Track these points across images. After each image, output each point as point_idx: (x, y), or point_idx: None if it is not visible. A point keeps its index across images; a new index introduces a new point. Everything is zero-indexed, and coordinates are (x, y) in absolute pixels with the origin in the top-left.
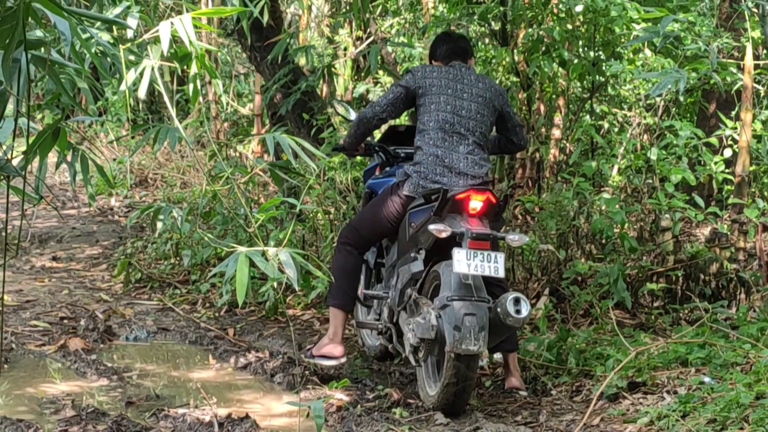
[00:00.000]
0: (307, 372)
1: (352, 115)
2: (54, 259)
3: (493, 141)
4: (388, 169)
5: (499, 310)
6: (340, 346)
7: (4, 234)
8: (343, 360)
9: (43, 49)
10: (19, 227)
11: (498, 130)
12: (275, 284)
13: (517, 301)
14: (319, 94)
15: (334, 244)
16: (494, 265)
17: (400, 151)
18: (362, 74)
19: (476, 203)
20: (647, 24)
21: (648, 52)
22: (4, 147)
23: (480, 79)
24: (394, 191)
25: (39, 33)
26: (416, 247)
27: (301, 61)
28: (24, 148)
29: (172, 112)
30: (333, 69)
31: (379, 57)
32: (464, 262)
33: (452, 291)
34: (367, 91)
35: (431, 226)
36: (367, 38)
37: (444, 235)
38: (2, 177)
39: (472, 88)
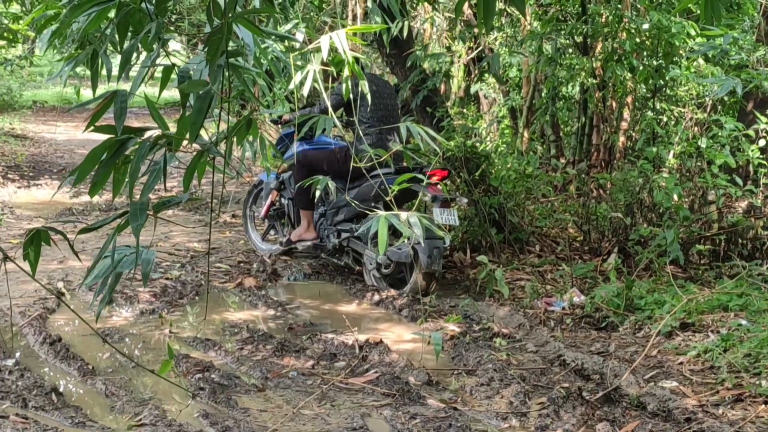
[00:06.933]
0: (428, 308)
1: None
2: (233, 216)
3: None
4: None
5: None
6: (314, 232)
7: (210, 203)
8: (316, 240)
9: (241, 58)
10: (220, 196)
11: None
12: (406, 240)
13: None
14: (439, 91)
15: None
16: (453, 218)
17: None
18: (473, 76)
19: (436, 178)
20: (703, 39)
21: (701, 61)
22: (210, 133)
23: (385, 84)
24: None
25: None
26: (375, 200)
27: (425, 65)
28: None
29: (328, 103)
30: (450, 72)
31: (494, 64)
32: (440, 216)
33: (423, 233)
34: (477, 91)
35: (424, 193)
36: (476, 48)
37: (428, 198)
38: (209, 157)
39: (385, 89)
